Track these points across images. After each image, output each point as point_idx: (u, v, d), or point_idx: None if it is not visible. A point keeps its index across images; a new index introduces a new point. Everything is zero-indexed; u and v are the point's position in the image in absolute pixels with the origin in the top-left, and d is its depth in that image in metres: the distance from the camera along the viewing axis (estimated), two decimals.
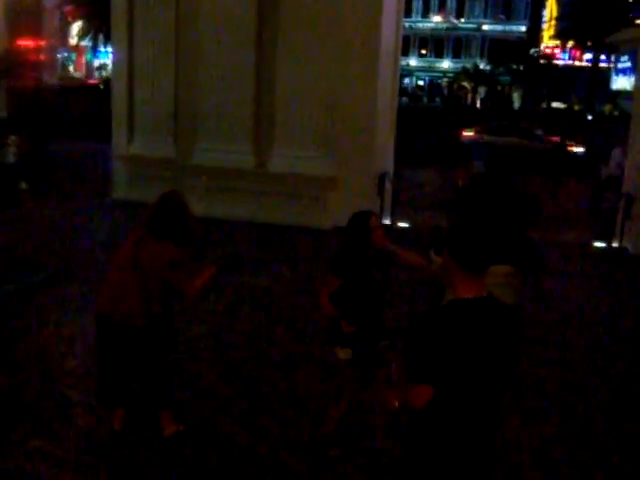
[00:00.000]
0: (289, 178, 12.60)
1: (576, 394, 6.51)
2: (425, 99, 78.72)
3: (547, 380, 6.73)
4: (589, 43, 69.04)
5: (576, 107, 65.68)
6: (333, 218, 12.16)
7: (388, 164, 13.67)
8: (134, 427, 5.33)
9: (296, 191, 12.63)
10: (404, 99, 68.74)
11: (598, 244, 12.51)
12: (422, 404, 3.13)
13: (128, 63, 13.63)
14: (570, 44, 75.16)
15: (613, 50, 68.35)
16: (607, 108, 60.08)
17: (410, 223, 13.07)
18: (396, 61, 13.89)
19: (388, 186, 13.19)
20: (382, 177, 12.93)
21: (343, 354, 4.83)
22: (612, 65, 70.78)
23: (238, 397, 6.02)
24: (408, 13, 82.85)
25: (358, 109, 12.42)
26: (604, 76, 69.63)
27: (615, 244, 12.42)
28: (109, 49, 36.36)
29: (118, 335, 4.93)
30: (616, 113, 52.62)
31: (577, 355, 7.47)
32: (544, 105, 68.45)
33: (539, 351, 7.29)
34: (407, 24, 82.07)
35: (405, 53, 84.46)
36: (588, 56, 71.88)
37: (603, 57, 68.94)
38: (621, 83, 67.74)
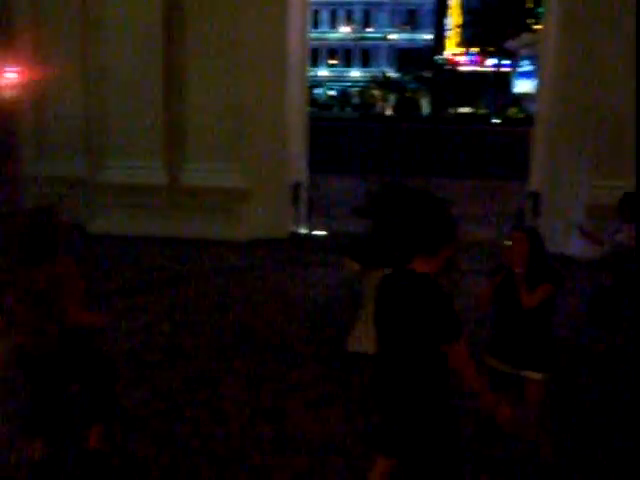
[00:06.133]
0: (202, 192, 12.53)
1: None
2: (336, 108, 79.60)
3: None
4: (491, 49, 71.41)
5: (480, 111, 67.50)
6: (248, 230, 12.30)
7: (302, 173, 13.76)
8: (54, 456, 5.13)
9: (209, 205, 12.59)
10: (313, 109, 69.28)
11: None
12: None
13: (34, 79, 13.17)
14: (473, 51, 77.48)
15: (513, 55, 70.95)
16: (513, 111, 62.03)
17: (326, 231, 13.21)
18: (304, 72, 14.00)
19: (303, 195, 13.30)
20: (296, 187, 13.02)
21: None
22: (513, 70, 73.39)
23: (159, 415, 5.94)
24: (316, 25, 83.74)
25: (268, 121, 12.47)
26: (506, 80, 72.04)
27: None
28: None
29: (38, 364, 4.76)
30: (521, 115, 54.22)
31: None
32: (452, 110, 70.17)
33: None
34: (315, 35, 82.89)
35: (315, 64, 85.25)
36: (491, 62, 74.24)
37: (505, 62, 71.36)
38: (522, 86, 70.07)
